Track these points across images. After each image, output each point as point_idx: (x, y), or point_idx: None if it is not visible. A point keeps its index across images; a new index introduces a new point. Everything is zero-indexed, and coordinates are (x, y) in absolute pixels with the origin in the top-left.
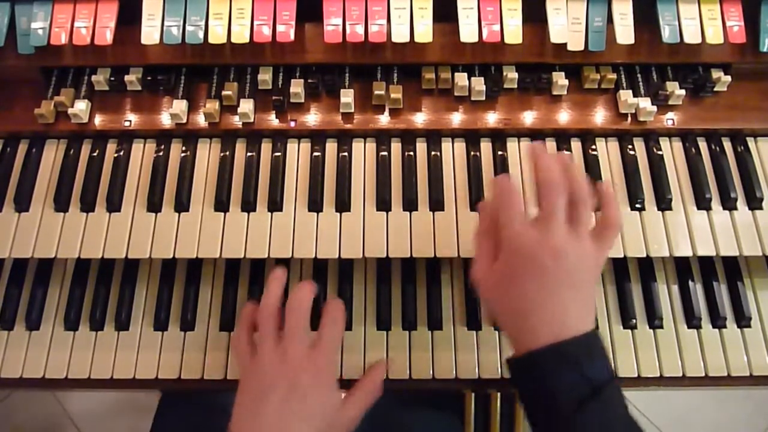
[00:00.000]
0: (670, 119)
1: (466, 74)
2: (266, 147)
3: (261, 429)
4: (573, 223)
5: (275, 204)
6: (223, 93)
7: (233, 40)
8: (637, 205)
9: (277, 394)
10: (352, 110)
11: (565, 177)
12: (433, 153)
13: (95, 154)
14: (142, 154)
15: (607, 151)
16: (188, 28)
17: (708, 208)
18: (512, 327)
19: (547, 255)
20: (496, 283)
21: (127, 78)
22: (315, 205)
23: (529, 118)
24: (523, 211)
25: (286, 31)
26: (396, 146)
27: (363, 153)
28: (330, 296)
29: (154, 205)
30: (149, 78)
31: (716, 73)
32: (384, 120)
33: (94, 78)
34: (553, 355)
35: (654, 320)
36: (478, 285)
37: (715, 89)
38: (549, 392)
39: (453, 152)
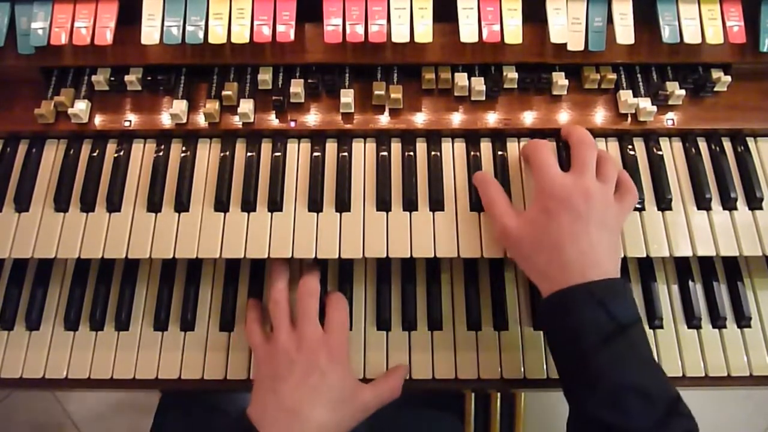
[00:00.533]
0: (670, 119)
1: (466, 74)
2: (266, 147)
3: (281, 404)
4: (600, 177)
5: (275, 204)
6: (223, 93)
7: (233, 40)
8: (637, 205)
9: (296, 374)
10: (352, 110)
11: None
12: (433, 153)
13: (95, 154)
14: (142, 154)
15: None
16: (188, 28)
17: (708, 208)
18: (544, 266)
19: (580, 196)
20: (531, 225)
21: (127, 78)
22: (315, 205)
23: (529, 118)
24: (556, 162)
25: (286, 31)
26: (396, 146)
27: (363, 153)
28: None
29: (154, 205)
30: (149, 78)
31: (716, 73)
32: (384, 120)
33: (94, 78)
34: (581, 292)
35: (654, 320)
36: (506, 236)
37: (715, 89)
38: (576, 327)
39: (453, 152)
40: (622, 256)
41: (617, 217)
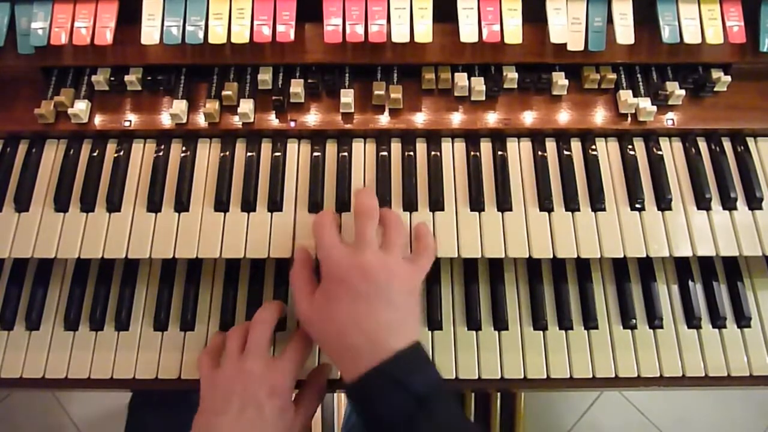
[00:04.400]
0: (670, 119)
1: (466, 74)
2: (266, 147)
3: None
4: (385, 245)
5: (275, 204)
6: (223, 93)
7: (233, 40)
8: (637, 205)
9: (233, 406)
10: (352, 110)
11: (378, 207)
12: (433, 153)
13: (95, 154)
14: (142, 154)
15: (607, 151)
16: (188, 28)
17: (708, 208)
18: (336, 354)
19: (357, 275)
20: (317, 311)
21: (127, 78)
22: (315, 205)
23: (529, 118)
24: (336, 235)
25: (286, 31)
26: (396, 146)
27: (363, 153)
28: None
29: (154, 205)
30: (149, 78)
31: (716, 73)
32: (384, 120)
33: (94, 78)
34: (375, 376)
35: (654, 320)
36: (303, 324)
37: (715, 89)
38: (378, 413)
39: (453, 152)
40: (622, 256)
41: (407, 282)
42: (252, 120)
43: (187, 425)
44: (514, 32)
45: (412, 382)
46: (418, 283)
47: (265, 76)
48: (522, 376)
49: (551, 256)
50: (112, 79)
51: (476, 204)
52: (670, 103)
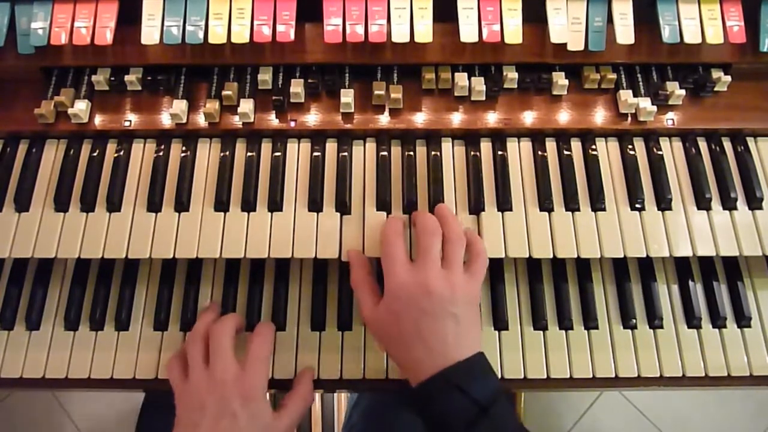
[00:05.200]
0: (670, 119)
1: (466, 74)
2: (266, 147)
3: None
4: (446, 261)
5: (275, 204)
6: (223, 93)
7: (233, 40)
8: (637, 205)
9: (207, 418)
10: (352, 110)
11: (440, 223)
12: (433, 153)
13: (95, 154)
14: (142, 154)
15: (607, 151)
16: (188, 28)
17: (708, 208)
18: (401, 361)
19: (422, 295)
20: (382, 323)
21: (127, 78)
22: (315, 205)
23: (529, 118)
24: (404, 249)
25: (286, 31)
26: (396, 146)
27: (363, 153)
28: (330, 296)
29: (154, 205)
30: (149, 78)
31: (716, 73)
32: (384, 120)
33: (94, 78)
34: (437, 382)
35: (654, 320)
36: (368, 326)
37: (715, 89)
38: (440, 418)
39: (453, 152)
40: (622, 256)
41: (468, 295)
42: (252, 120)
43: None
44: (514, 32)
45: (474, 389)
46: (477, 292)
47: (265, 76)
48: (522, 376)
49: (551, 256)
50: (112, 79)
51: (476, 204)
52: (670, 103)
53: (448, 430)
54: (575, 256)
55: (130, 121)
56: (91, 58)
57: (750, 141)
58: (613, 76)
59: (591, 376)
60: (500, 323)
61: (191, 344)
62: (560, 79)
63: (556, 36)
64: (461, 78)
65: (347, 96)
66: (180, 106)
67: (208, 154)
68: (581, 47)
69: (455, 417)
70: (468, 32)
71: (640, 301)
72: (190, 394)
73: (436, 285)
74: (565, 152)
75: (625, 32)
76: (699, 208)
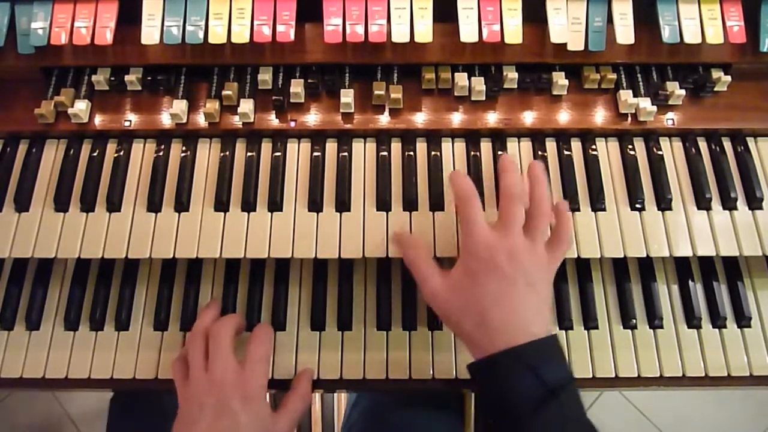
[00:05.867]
0: (670, 119)
1: (466, 74)
2: (266, 147)
3: None
4: (529, 231)
5: (275, 204)
6: (223, 93)
7: (233, 40)
8: (637, 205)
9: (206, 418)
10: (352, 110)
11: (527, 190)
12: (433, 153)
13: (95, 154)
14: (142, 154)
15: (607, 151)
16: (188, 28)
17: (708, 208)
18: (471, 330)
19: (503, 256)
20: (455, 288)
21: (127, 78)
22: (315, 205)
23: (529, 118)
24: (481, 212)
25: (286, 31)
26: (396, 146)
27: (363, 153)
28: (330, 296)
29: (154, 205)
30: (149, 78)
31: (716, 73)
32: (384, 120)
33: (94, 78)
34: (510, 358)
35: (654, 320)
36: (434, 299)
37: (715, 89)
38: (506, 394)
39: (453, 152)
40: (622, 256)
41: (547, 271)
42: (252, 120)
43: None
44: (514, 32)
45: (546, 371)
46: (553, 274)
47: (265, 76)
48: None
49: None
50: (112, 79)
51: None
52: (670, 103)
53: (511, 410)
54: (575, 256)
55: (130, 121)
56: (91, 58)
57: (750, 141)
58: (613, 76)
59: (591, 376)
60: None
61: (191, 343)
62: (560, 79)
63: (556, 36)
64: (461, 78)
65: (347, 96)
66: (180, 106)
67: (208, 154)
68: (581, 47)
69: (522, 397)
70: (468, 32)
71: (640, 301)
72: (191, 393)
73: (521, 250)
74: (565, 152)
75: (625, 32)
76: (699, 208)
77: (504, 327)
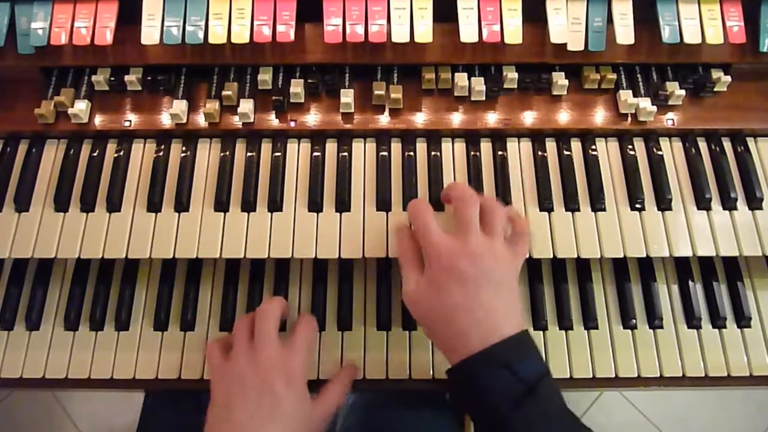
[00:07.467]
0: (670, 119)
1: (466, 74)
2: (266, 147)
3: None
4: (486, 229)
5: (275, 204)
6: (223, 93)
7: (233, 40)
8: (637, 205)
9: (249, 397)
10: (352, 110)
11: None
12: (433, 153)
13: (95, 154)
14: (142, 154)
15: (607, 151)
16: (188, 28)
17: (708, 208)
18: (444, 337)
19: (465, 260)
20: (424, 296)
21: (127, 78)
22: (315, 205)
23: (529, 118)
24: (437, 225)
25: (286, 31)
26: (396, 146)
27: (363, 153)
28: (330, 296)
29: (154, 205)
30: (149, 78)
31: (716, 73)
32: (384, 120)
33: (94, 78)
34: (484, 359)
35: (654, 320)
36: (409, 305)
37: (715, 89)
38: (485, 395)
39: (453, 152)
40: (622, 256)
41: (511, 267)
42: (252, 120)
43: (198, 427)
44: (514, 32)
45: (521, 368)
46: (518, 270)
47: (265, 76)
48: None
49: (551, 257)
50: (112, 79)
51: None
52: (670, 103)
53: (492, 410)
54: (575, 256)
55: (130, 121)
56: (91, 58)
57: (750, 141)
58: (613, 76)
59: (591, 376)
60: None
61: (238, 323)
62: (560, 79)
63: (556, 36)
64: (461, 78)
65: (347, 96)
66: (180, 106)
67: (208, 154)
68: (581, 47)
69: (501, 396)
70: (468, 32)
71: (640, 301)
72: (232, 373)
73: (481, 251)
74: (565, 152)
75: (625, 32)
76: (699, 208)
77: (475, 330)
